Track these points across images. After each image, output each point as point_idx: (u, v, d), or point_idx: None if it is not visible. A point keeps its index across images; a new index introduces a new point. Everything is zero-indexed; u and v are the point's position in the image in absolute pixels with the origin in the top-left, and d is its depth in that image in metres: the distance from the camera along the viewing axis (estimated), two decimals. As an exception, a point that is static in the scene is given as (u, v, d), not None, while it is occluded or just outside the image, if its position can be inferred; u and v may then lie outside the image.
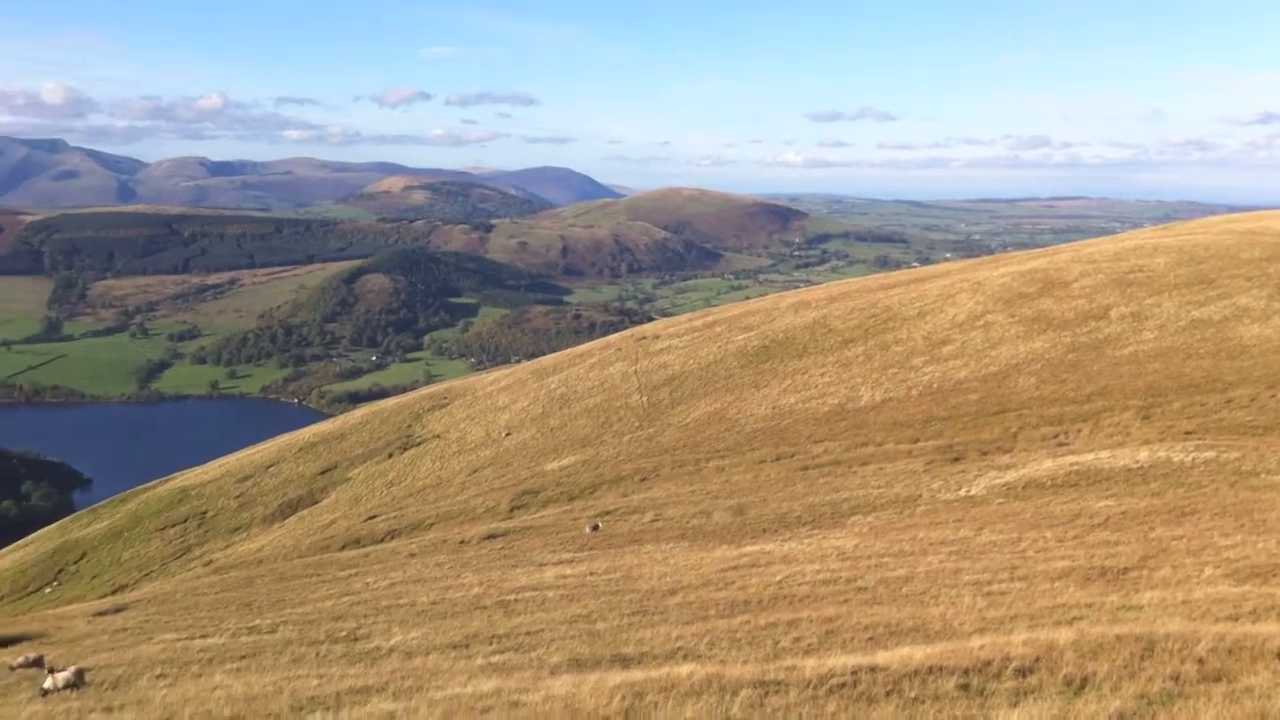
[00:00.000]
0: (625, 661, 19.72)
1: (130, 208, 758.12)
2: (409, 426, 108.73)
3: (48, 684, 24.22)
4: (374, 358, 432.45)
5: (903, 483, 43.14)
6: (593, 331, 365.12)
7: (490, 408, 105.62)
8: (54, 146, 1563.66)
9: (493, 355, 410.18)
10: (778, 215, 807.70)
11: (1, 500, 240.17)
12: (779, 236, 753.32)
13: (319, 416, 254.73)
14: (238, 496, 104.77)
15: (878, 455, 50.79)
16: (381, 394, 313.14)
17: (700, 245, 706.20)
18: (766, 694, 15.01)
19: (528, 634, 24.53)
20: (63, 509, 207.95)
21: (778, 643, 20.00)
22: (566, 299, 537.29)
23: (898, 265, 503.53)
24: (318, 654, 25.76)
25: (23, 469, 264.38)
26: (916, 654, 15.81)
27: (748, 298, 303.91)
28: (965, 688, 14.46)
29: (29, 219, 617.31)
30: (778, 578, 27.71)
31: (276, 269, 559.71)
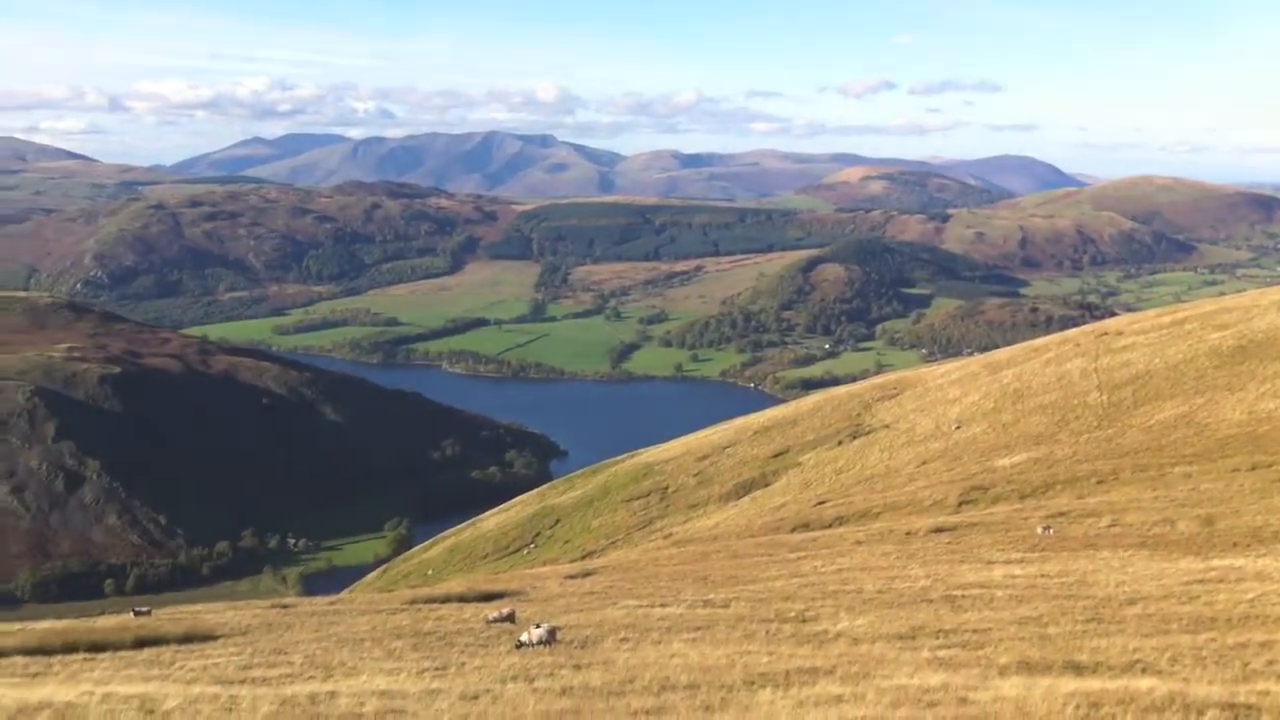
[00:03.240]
0: (1078, 669, 19.18)
1: (609, 198, 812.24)
2: (859, 415, 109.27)
3: (524, 638, 26.75)
4: (827, 345, 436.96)
5: None
6: (1049, 326, 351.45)
7: (940, 400, 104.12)
8: (545, 141, 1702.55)
9: (944, 347, 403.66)
10: (1262, 205, 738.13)
11: (489, 467, 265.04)
12: (1262, 228, 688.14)
13: (772, 401, 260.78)
14: (696, 474, 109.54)
15: (1377, 471, 45.74)
16: (833, 382, 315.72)
17: (1171, 237, 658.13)
18: (1235, 717, 14.25)
19: (974, 631, 24.30)
20: (541, 477, 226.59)
21: (1248, 664, 18.74)
22: (1023, 291, 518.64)
23: None
24: (768, 632, 26.74)
25: (508, 438, 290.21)
26: None
27: (1223, 294, 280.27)
28: None
29: (521, 208, 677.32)
30: (1250, 595, 25.79)
31: (739, 257, 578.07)
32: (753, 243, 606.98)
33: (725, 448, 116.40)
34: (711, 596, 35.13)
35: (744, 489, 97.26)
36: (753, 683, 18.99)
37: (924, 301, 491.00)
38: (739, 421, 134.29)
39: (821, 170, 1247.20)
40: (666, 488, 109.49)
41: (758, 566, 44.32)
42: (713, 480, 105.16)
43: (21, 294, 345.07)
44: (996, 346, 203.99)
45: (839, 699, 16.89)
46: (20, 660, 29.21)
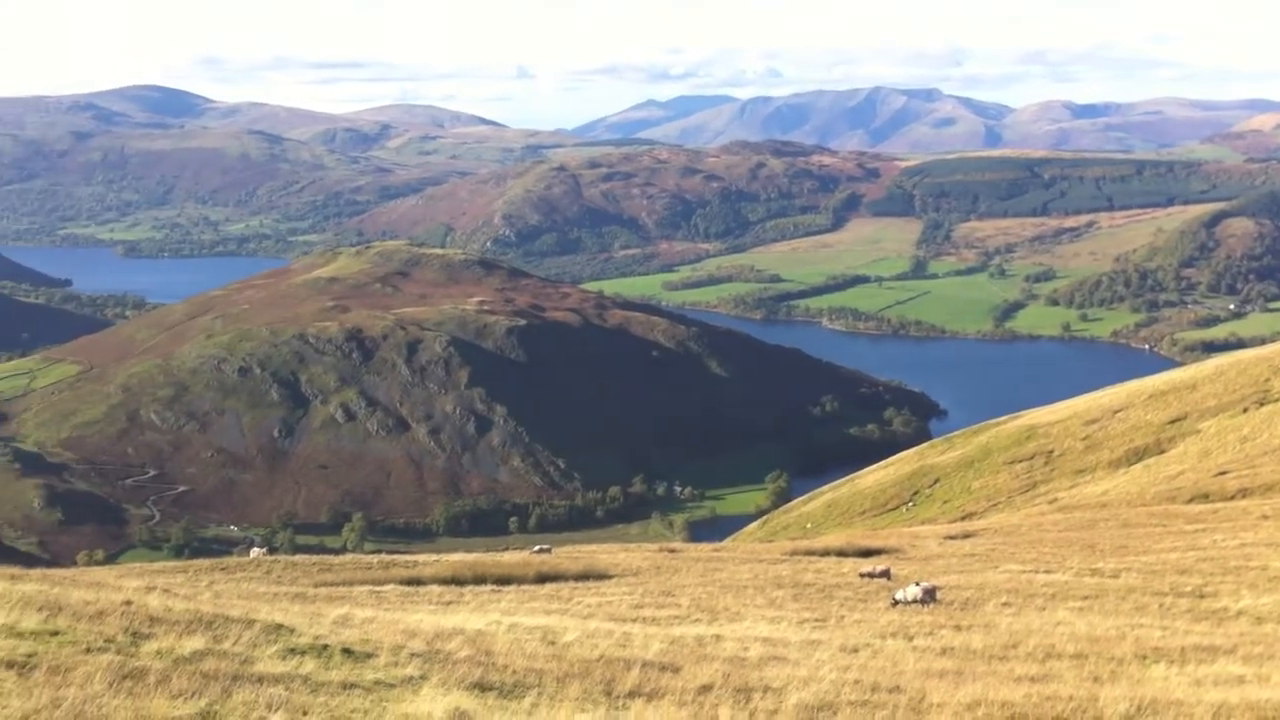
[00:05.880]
0: None
1: (995, 152, 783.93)
2: (1267, 380, 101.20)
3: (900, 595, 27.20)
4: (1232, 306, 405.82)
5: None
6: None
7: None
8: (929, 95, 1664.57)
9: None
10: None
11: (867, 424, 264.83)
12: None
13: (1168, 364, 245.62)
14: (1084, 439, 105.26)
15: None
16: (1238, 344, 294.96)
17: None
18: None
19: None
20: (920, 435, 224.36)
21: None
22: None
23: None
24: (1161, 605, 25.90)
25: (887, 396, 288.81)
26: None
27: None
28: None
29: (903, 164, 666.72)
30: None
31: (1134, 211, 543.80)
32: (1150, 196, 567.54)
33: (1116, 411, 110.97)
34: (1099, 565, 34.21)
35: (1135, 455, 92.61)
36: (1145, 657, 18.62)
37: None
38: (1131, 385, 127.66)
39: (1230, 118, 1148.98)
40: (1051, 451, 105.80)
41: (1150, 537, 42.60)
42: (1101, 445, 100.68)
43: (439, 251, 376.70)
44: None
45: (1241, 679, 16.35)
46: (436, 589, 32.66)
